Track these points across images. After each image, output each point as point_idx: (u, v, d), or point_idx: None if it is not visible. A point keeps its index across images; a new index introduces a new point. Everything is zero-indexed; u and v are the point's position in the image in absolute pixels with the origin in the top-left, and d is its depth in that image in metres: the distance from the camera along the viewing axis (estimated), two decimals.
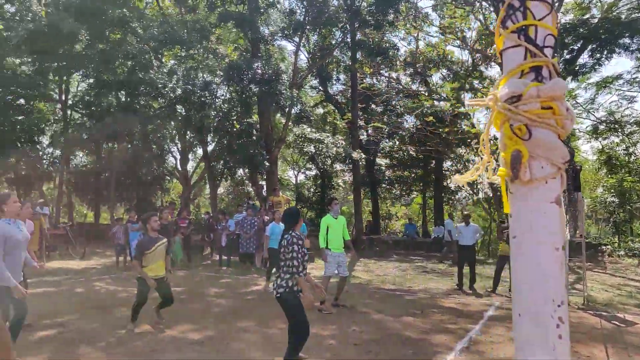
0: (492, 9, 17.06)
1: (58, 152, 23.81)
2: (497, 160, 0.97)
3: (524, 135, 0.90)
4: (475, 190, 22.21)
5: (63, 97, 22.27)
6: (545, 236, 0.90)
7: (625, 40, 16.49)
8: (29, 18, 18.18)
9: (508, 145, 0.91)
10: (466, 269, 10.74)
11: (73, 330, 6.38)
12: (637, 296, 10.30)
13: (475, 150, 19.58)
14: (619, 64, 66.10)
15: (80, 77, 22.87)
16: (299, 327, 4.67)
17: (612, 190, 22.68)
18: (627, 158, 21.85)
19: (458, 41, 19.14)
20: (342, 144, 20.83)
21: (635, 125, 20.64)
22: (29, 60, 20.33)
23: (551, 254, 0.90)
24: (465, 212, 11.97)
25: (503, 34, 0.97)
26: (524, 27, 0.94)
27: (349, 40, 20.97)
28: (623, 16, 16.79)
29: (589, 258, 16.25)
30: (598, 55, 17.31)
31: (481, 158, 1.00)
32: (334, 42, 22.31)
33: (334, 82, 26.41)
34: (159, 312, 6.61)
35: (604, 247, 18.41)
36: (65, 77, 21.51)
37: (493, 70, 26.42)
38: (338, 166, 27.27)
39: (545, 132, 0.91)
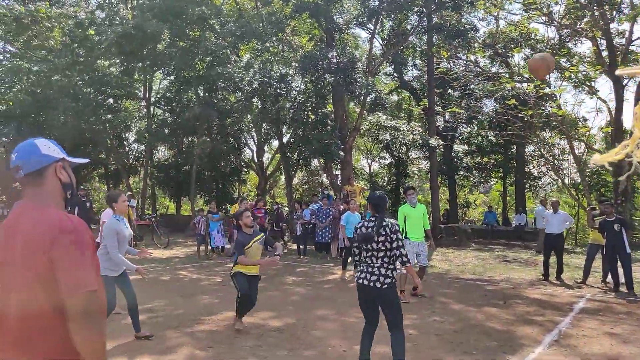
0: None
1: (142, 147, 25.22)
2: None
3: None
4: (561, 176, 20.84)
5: (147, 95, 23.53)
6: None
7: None
8: (117, 22, 19.34)
9: None
10: (552, 259, 10.17)
11: (161, 315, 6.75)
12: None
13: (561, 132, 18.35)
14: None
15: (162, 74, 24.00)
16: (400, 323, 4.37)
17: None
18: None
19: (543, 17, 17.87)
20: (418, 130, 20.36)
21: None
22: (117, 61, 21.64)
23: None
24: (554, 199, 11.29)
25: None
26: None
27: (425, 24, 20.36)
28: None
29: None
30: None
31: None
32: (409, 27, 21.75)
33: (410, 68, 25.82)
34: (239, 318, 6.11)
35: None
36: (149, 76, 22.67)
37: (583, 47, 24.56)
38: (413, 154, 26.74)
39: None
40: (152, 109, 24.26)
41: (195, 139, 23.48)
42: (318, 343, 5.53)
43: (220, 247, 14.15)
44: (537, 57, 5.34)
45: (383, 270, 4.32)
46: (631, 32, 17.55)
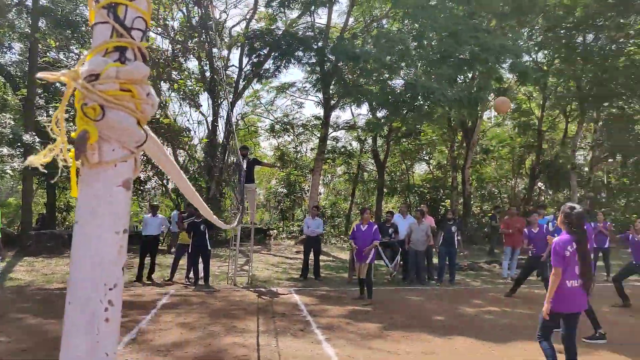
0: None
1: None
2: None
3: (97, 116, 0.88)
4: (164, 182, 22.29)
5: None
6: (108, 220, 0.90)
7: (299, 54, 18.87)
8: None
9: (79, 125, 0.88)
10: (147, 260, 10.65)
11: None
12: (289, 271, 12.21)
13: (167, 140, 19.61)
14: (294, 73, 79.67)
15: None
16: None
17: (282, 182, 26.68)
18: (295, 155, 26.06)
19: (159, 28, 18.73)
20: (9, 123, 17.53)
21: (302, 127, 24.64)
22: None
23: (111, 238, 0.90)
24: (154, 203, 11.87)
25: (94, 9, 0.94)
26: (113, 4, 0.92)
27: (29, 3, 17.95)
28: (300, 33, 19.44)
29: (259, 242, 18.72)
30: (279, 62, 19.45)
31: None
32: (8, 2, 18.71)
33: (5, 51, 22.24)
34: None
35: (271, 231, 21.37)
36: None
37: (192, 64, 26.96)
38: (5, 150, 22.98)
39: (121, 115, 0.90)
40: None
41: None
42: None
43: None
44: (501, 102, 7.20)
45: None
46: (228, 58, 20.63)
